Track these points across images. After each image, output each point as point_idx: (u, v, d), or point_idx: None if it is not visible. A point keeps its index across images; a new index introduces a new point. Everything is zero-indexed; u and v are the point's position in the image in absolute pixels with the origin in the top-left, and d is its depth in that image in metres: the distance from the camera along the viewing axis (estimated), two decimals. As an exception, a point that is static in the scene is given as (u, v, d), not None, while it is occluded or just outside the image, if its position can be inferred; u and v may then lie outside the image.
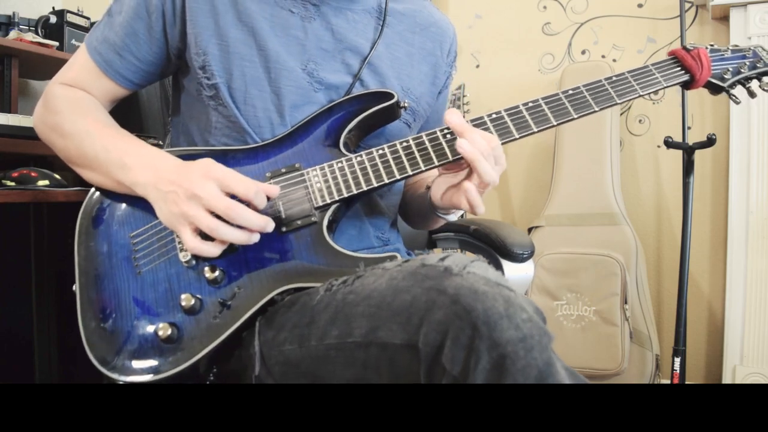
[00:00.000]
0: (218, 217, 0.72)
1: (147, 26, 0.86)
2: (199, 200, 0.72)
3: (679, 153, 1.82)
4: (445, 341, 0.57)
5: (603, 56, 2.21)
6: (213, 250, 0.74)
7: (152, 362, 0.72)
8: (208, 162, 0.75)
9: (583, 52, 2.24)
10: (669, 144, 1.73)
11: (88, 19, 1.84)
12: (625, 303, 1.92)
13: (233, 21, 0.85)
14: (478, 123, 0.81)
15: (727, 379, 1.92)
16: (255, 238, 0.74)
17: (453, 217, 0.93)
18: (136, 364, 0.72)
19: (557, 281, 2.01)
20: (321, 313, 0.69)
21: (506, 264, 1.08)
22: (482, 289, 0.58)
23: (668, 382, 1.81)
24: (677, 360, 1.73)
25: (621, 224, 2.02)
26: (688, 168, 1.73)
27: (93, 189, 0.86)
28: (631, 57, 2.17)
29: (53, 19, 1.73)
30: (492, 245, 1.11)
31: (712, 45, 0.92)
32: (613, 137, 2.07)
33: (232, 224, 0.73)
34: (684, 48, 0.89)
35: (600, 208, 2.05)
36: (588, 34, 2.24)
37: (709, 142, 1.63)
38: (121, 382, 0.72)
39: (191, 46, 0.85)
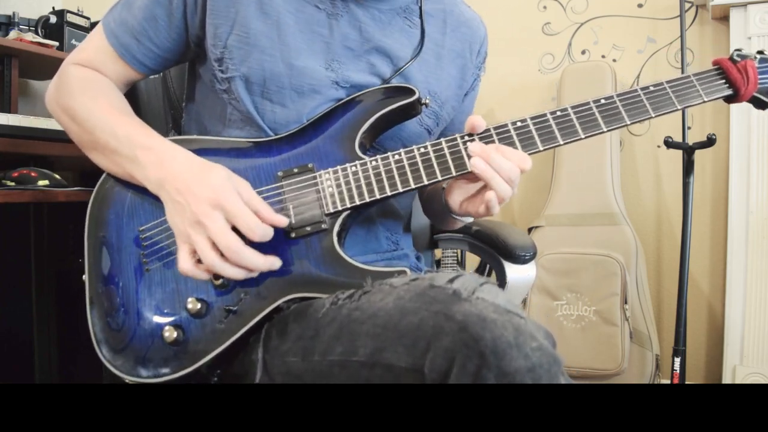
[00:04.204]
0: None
1: (167, 12, 0.83)
2: (204, 229, 0.69)
3: (679, 153, 1.82)
4: (452, 368, 0.56)
5: (603, 56, 2.21)
6: (202, 275, 0.71)
7: (157, 364, 0.72)
8: (220, 182, 0.71)
9: (583, 52, 2.24)
10: (669, 144, 1.73)
11: (88, 19, 1.84)
12: (625, 303, 1.92)
13: (256, 12, 0.82)
14: (501, 131, 0.78)
15: (727, 379, 1.92)
16: (253, 275, 0.72)
17: (469, 219, 0.91)
18: (141, 364, 0.72)
19: (557, 281, 2.01)
20: (326, 327, 0.68)
21: (508, 266, 1.07)
22: (491, 317, 0.57)
23: (668, 382, 1.81)
24: (677, 360, 1.73)
25: (621, 224, 2.02)
26: (688, 168, 1.73)
27: (105, 175, 0.83)
28: (631, 57, 2.17)
29: (53, 19, 1.73)
30: (494, 246, 1.10)
31: (762, 53, 0.85)
32: (613, 137, 2.07)
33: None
34: (730, 59, 0.83)
35: (600, 208, 2.05)
36: (588, 34, 2.23)
37: (709, 142, 1.63)
38: (127, 381, 0.72)
39: (210, 37, 0.82)
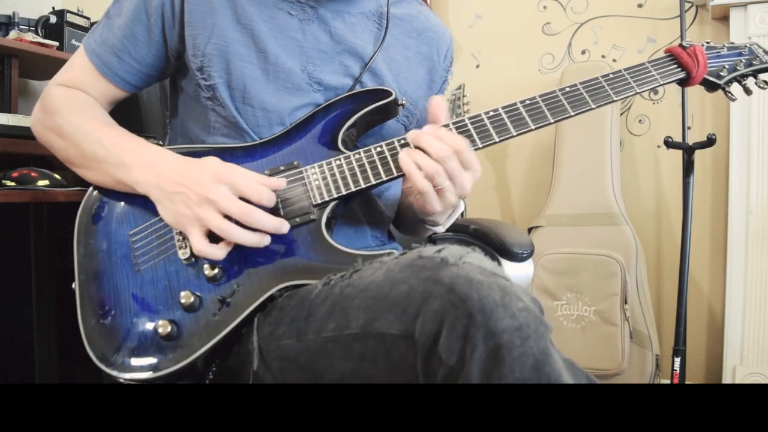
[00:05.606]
0: (230, 219, 0.73)
1: (146, 29, 0.86)
2: (213, 204, 0.72)
3: (679, 153, 1.82)
4: (441, 331, 0.57)
5: (603, 56, 2.21)
6: (219, 253, 0.74)
7: (152, 359, 0.72)
8: (216, 164, 0.75)
9: (583, 52, 2.24)
10: (669, 144, 1.73)
11: (88, 19, 1.84)
12: (625, 303, 1.92)
13: (232, 22, 0.85)
14: (476, 121, 0.81)
15: (727, 379, 1.92)
16: (266, 240, 0.75)
17: (440, 228, 0.92)
18: (136, 361, 0.73)
19: (557, 281, 2.01)
20: (319, 307, 0.69)
21: (506, 263, 1.08)
22: (477, 278, 0.58)
23: (668, 382, 1.81)
24: (677, 360, 1.73)
25: (621, 224, 2.02)
26: (688, 168, 1.73)
27: (92, 187, 0.86)
28: (631, 57, 2.17)
29: (53, 19, 1.73)
30: (491, 245, 1.11)
31: (708, 42, 0.92)
32: (613, 137, 2.07)
33: (244, 227, 0.73)
34: (680, 45, 0.90)
35: (600, 208, 2.05)
36: (588, 34, 2.24)
37: (709, 142, 1.63)
38: (121, 380, 0.72)
39: (189, 48, 0.85)
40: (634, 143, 2.18)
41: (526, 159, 2.32)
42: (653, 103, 2.15)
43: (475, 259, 0.63)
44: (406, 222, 1.03)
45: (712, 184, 2.06)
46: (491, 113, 0.82)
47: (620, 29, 2.18)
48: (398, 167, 0.79)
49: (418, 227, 0.96)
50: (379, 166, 0.80)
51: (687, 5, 2.05)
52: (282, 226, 0.75)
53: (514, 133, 0.81)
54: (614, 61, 2.19)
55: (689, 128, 1.99)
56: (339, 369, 0.66)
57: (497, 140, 0.81)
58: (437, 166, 0.74)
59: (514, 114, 0.81)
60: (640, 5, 2.16)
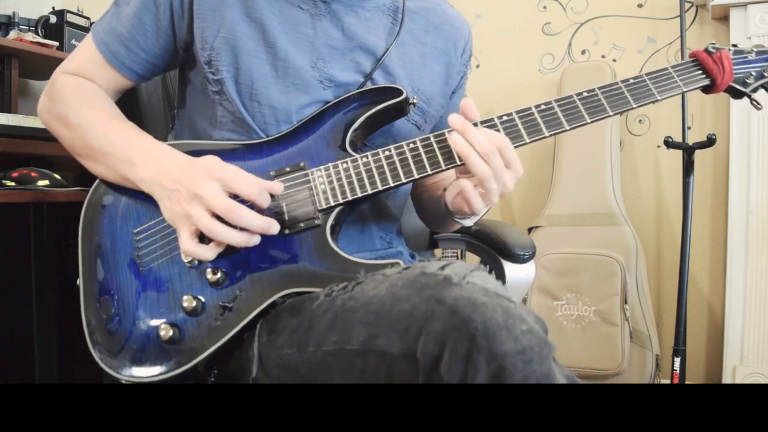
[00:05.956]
0: (220, 218, 0.71)
1: (155, 19, 0.85)
2: (201, 200, 0.71)
3: (679, 153, 1.82)
4: (444, 352, 0.56)
5: (603, 56, 2.21)
6: (207, 253, 0.72)
7: (153, 363, 0.72)
8: (213, 161, 0.74)
9: (583, 52, 2.24)
10: (669, 144, 1.72)
11: (88, 19, 1.85)
12: (625, 303, 1.92)
13: (241, 16, 0.83)
14: (489, 125, 0.78)
15: (727, 379, 1.92)
16: (255, 240, 0.73)
17: (469, 222, 0.89)
18: (137, 363, 0.72)
19: (557, 281, 2.01)
20: (320, 319, 0.68)
21: (507, 265, 1.07)
22: (481, 300, 0.57)
23: (668, 382, 1.81)
24: (677, 360, 1.73)
25: (621, 224, 2.02)
26: (688, 168, 1.73)
27: (98, 181, 0.84)
28: (631, 57, 2.17)
29: (53, 19, 1.73)
30: (493, 246, 1.11)
31: (735, 46, 0.88)
32: (613, 137, 2.07)
33: (233, 226, 0.72)
34: (706, 50, 0.85)
35: (600, 208, 2.05)
36: (588, 34, 2.23)
37: (709, 142, 1.63)
38: (122, 381, 0.72)
39: (198, 41, 0.84)
40: (634, 143, 2.18)
41: (526, 159, 2.32)
42: (653, 103, 2.15)
43: (479, 278, 0.61)
44: (432, 216, 1.00)
45: (712, 184, 2.06)
46: (504, 118, 0.78)
47: (620, 29, 2.18)
48: (407, 173, 0.77)
49: (445, 222, 0.93)
50: (387, 171, 0.78)
51: (687, 5, 2.05)
52: (270, 226, 0.73)
53: (527, 140, 0.78)
54: (614, 61, 2.18)
55: (689, 128, 1.99)
56: (339, 382, 0.65)
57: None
58: (485, 165, 0.73)
59: (528, 120, 0.78)
60: (640, 5, 2.16)
